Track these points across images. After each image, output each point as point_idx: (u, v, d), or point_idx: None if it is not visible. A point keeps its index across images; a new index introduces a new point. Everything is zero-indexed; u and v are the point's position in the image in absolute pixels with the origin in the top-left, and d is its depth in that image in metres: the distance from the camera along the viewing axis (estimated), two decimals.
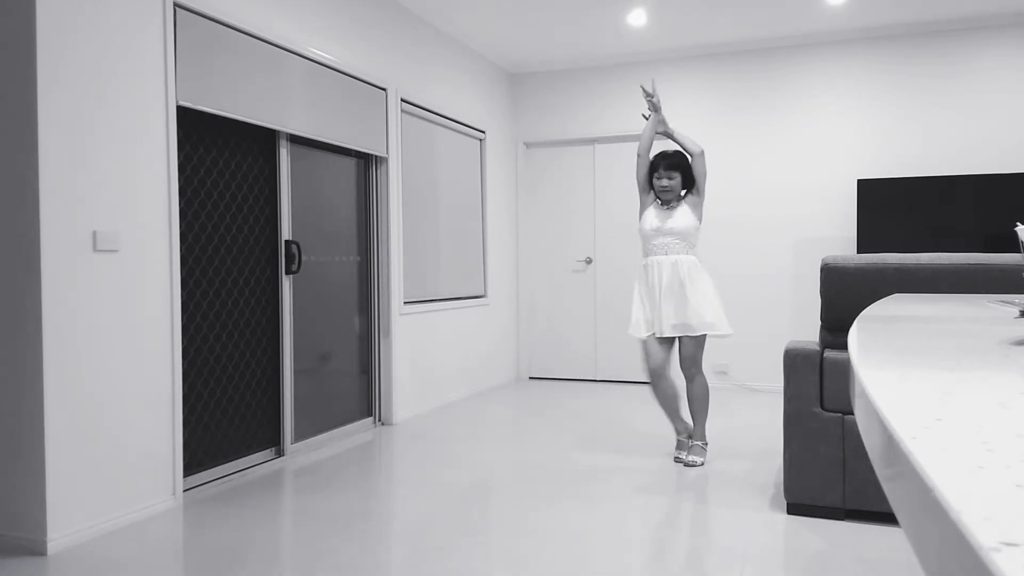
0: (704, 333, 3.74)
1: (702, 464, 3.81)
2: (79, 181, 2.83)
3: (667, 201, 3.85)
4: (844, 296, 3.05)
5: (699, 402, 3.84)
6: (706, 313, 3.72)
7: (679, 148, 3.90)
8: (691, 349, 3.78)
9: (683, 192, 3.89)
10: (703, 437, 3.87)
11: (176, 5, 3.27)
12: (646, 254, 3.88)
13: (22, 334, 2.73)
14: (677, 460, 3.88)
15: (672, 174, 3.82)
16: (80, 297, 2.83)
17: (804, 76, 5.90)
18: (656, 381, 3.82)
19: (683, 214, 3.81)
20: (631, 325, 3.87)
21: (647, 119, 4.01)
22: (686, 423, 3.94)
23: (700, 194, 3.88)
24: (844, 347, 3.08)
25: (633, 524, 2.95)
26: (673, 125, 3.85)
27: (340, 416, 4.56)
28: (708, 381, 5.96)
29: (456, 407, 5.41)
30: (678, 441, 3.94)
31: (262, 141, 3.90)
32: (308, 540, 2.81)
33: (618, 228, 6.50)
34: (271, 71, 3.83)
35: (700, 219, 3.86)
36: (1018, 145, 5.43)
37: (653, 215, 3.85)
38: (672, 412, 3.88)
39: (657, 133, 4.00)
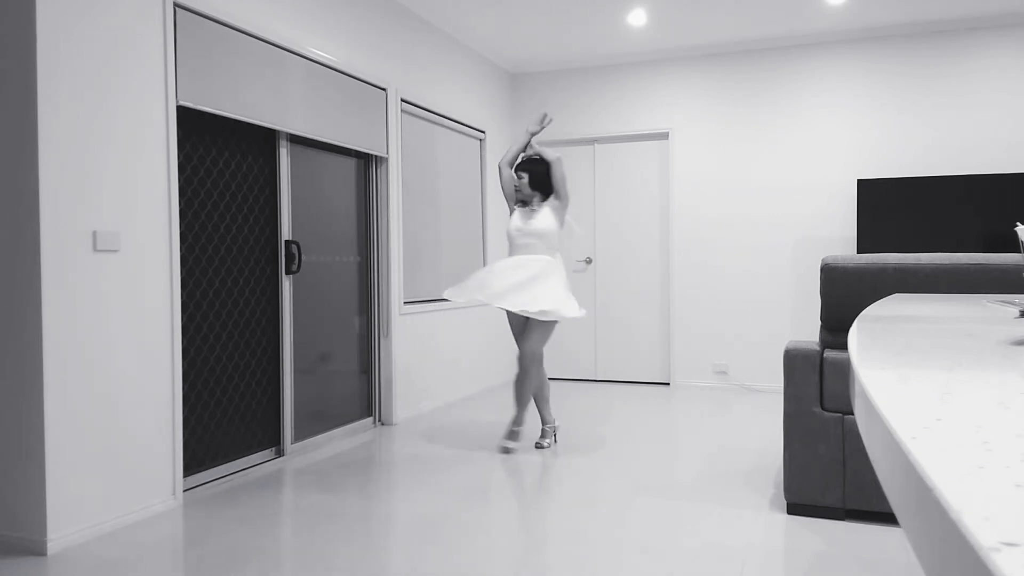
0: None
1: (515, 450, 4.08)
2: (79, 181, 2.83)
3: (524, 203, 4.16)
4: (844, 296, 3.05)
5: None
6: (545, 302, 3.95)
7: (539, 154, 4.22)
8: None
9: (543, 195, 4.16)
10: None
11: (176, 5, 3.27)
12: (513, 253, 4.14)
13: (22, 334, 2.73)
14: (506, 449, 4.12)
15: (520, 174, 4.15)
16: (80, 297, 2.83)
17: (804, 76, 5.90)
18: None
19: (544, 217, 4.08)
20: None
21: (531, 134, 4.29)
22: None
23: (561, 198, 4.13)
24: (844, 347, 3.08)
25: (633, 524, 2.95)
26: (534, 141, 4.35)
27: (340, 416, 4.56)
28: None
29: (456, 407, 5.41)
30: (517, 431, 4.19)
31: (262, 141, 3.90)
32: (308, 540, 2.81)
33: (618, 228, 6.50)
34: (271, 71, 3.83)
35: (561, 223, 4.12)
36: (1018, 145, 5.43)
37: (518, 217, 4.14)
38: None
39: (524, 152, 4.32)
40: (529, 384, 4.06)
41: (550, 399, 4.23)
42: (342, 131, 4.40)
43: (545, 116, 4.28)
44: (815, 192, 5.89)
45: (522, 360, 4.05)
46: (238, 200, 3.73)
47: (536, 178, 4.13)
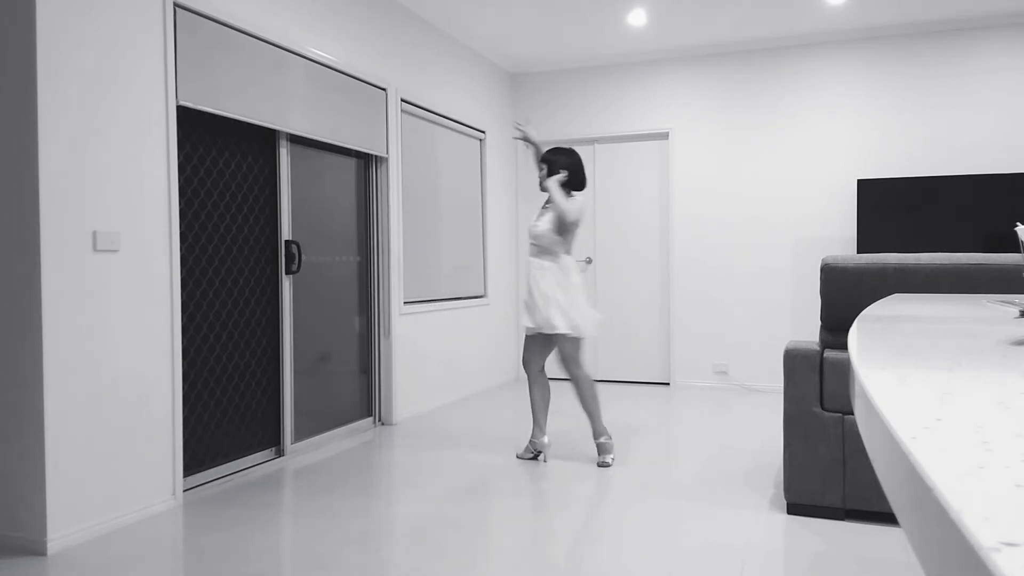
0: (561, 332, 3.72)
1: (613, 461, 3.82)
2: (79, 181, 2.83)
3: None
4: (844, 296, 3.05)
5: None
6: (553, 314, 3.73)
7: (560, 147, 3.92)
8: (565, 349, 3.79)
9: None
10: (605, 432, 3.86)
11: (176, 5, 3.27)
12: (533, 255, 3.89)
13: (22, 334, 2.73)
14: (522, 457, 3.93)
15: (541, 165, 3.90)
16: (80, 297, 2.83)
17: (804, 76, 5.90)
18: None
19: (545, 219, 3.84)
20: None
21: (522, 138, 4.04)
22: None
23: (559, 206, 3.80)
24: (844, 347, 3.08)
25: (633, 524, 2.95)
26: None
27: (340, 416, 4.56)
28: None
29: (456, 407, 5.41)
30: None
31: (262, 141, 3.90)
32: (308, 540, 2.81)
33: (618, 228, 6.50)
34: (271, 71, 3.83)
35: (560, 231, 3.78)
36: (1018, 145, 5.43)
37: (536, 217, 3.93)
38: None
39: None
40: (583, 390, 3.81)
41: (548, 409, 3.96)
42: (342, 131, 4.40)
43: (524, 121, 4.04)
44: (815, 192, 5.89)
45: (531, 369, 3.86)
46: (238, 200, 3.73)
47: (552, 171, 3.83)
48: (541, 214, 3.91)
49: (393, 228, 4.88)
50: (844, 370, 2.97)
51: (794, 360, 3.05)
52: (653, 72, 6.32)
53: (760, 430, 4.60)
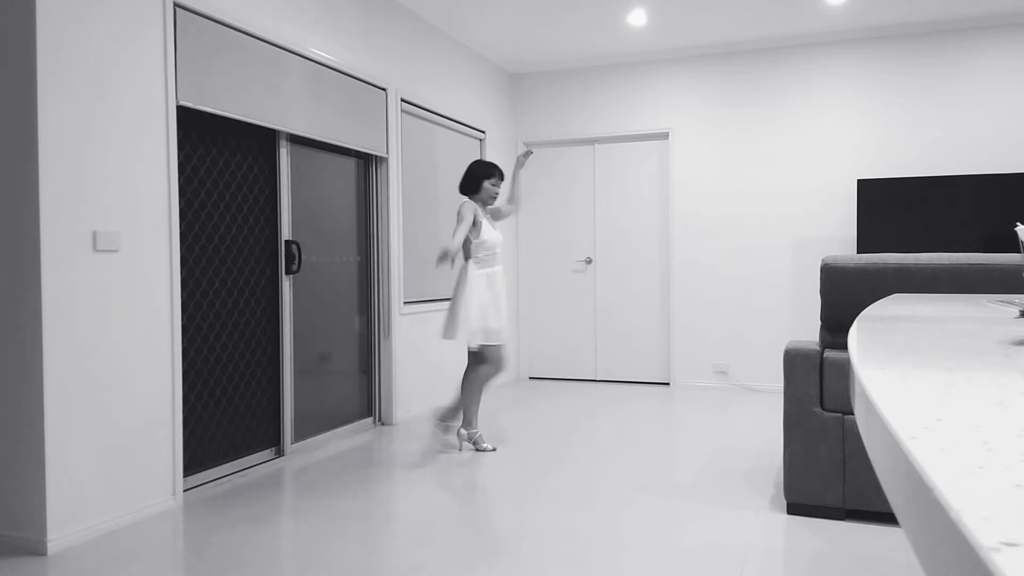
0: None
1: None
2: (79, 181, 2.83)
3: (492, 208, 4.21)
4: (844, 296, 3.05)
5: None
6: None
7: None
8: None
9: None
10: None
11: (176, 5, 3.27)
12: (489, 264, 4.05)
13: (22, 334, 2.73)
14: (482, 448, 4.13)
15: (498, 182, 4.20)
16: (80, 297, 2.83)
17: (804, 76, 5.90)
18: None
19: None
20: (472, 333, 3.93)
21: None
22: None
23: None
24: (844, 347, 3.09)
25: (633, 524, 2.95)
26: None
27: (340, 416, 4.56)
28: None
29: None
30: (474, 433, 4.14)
31: (262, 141, 3.90)
32: (308, 540, 2.81)
33: (618, 228, 6.50)
34: (271, 71, 3.83)
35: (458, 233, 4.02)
36: (1018, 145, 5.43)
37: (491, 226, 4.09)
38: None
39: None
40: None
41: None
42: (342, 131, 4.40)
43: (528, 152, 4.30)
44: (815, 192, 5.89)
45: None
46: (238, 200, 3.73)
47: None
48: (493, 224, 4.13)
49: (393, 228, 4.88)
50: (844, 370, 2.97)
51: (794, 360, 3.05)
52: (653, 72, 6.32)
53: (760, 430, 4.60)
